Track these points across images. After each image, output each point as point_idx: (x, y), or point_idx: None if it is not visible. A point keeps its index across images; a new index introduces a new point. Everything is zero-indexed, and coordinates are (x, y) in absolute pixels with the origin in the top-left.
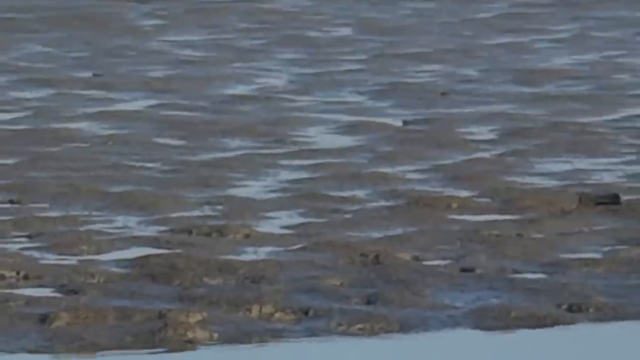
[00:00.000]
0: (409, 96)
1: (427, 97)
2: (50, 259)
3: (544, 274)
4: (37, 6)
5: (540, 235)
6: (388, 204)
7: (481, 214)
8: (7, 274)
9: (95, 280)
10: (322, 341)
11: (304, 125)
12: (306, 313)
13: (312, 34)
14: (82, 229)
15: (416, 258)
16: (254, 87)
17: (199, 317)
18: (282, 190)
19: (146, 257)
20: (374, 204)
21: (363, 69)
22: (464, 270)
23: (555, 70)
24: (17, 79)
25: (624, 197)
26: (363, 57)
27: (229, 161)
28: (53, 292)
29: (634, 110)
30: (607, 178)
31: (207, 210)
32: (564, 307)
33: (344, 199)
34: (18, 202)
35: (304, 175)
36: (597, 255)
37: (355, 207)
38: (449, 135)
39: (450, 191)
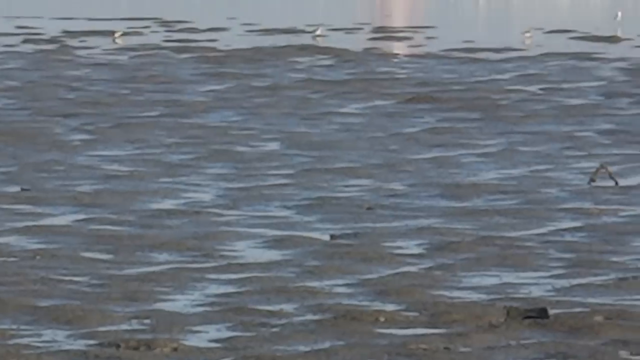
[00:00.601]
0: (336, 210)
1: (354, 211)
2: None
3: None
4: None
5: (467, 349)
6: (315, 317)
7: (408, 327)
8: None
9: None
10: None
11: (231, 239)
12: None
13: (240, 148)
14: (10, 342)
15: None
16: (182, 201)
17: None
18: (210, 304)
19: None
20: (301, 317)
21: (291, 184)
22: None
23: (483, 184)
24: None
25: (551, 311)
26: (291, 171)
27: (157, 275)
28: None
29: (562, 224)
30: (535, 292)
31: (134, 324)
32: None
33: (272, 313)
34: None
35: (231, 289)
36: None
37: (283, 321)
38: (376, 249)
39: (377, 305)
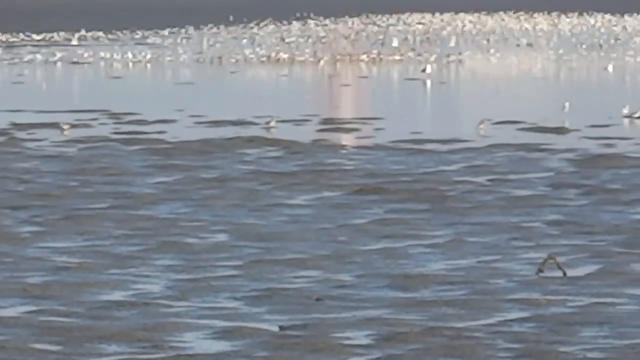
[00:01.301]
0: (285, 302)
1: (303, 302)
2: None
3: None
4: None
5: None
6: None
7: None
8: None
9: None
10: None
11: (180, 330)
12: None
13: (189, 240)
14: None
15: None
16: (131, 292)
17: None
18: None
19: None
20: None
21: (239, 275)
22: None
23: (431, 275)
24: None
25: None
26: (239, 262)
27: None
28: None
29: (510, 315)
30: None
31: None
32: None
33: None
34: None
35: None
36: None
37: None
38: (325, 340)
39: None
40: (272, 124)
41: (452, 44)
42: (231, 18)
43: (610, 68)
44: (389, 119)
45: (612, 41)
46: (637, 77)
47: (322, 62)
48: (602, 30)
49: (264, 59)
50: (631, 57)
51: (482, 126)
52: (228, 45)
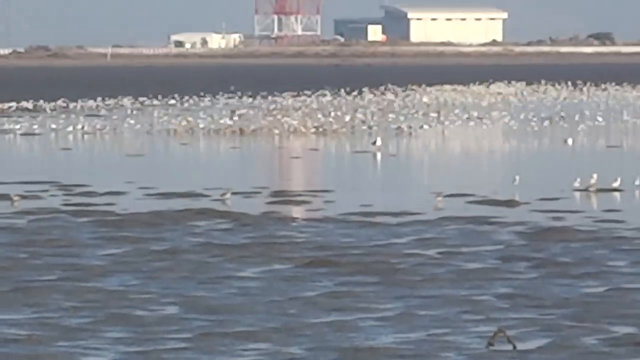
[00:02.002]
0: None
1: None
2: None
3: None
4: None
5: None
6: None
7: None
8: None
9: None
10: None
11: None
12: None
13: (139, 312)
14: None
15: None
16: None
17: None
18: None
19: None
20: None
21: (189, 347)
22: None
23: (381, 348)
24: None
25: None
26: (189, 335)
27: None
28: None
29: None
30: None
31: None
32: None
33: None
34: None
35: None
36: None
37: None
38: None
39: None
40: (228, 196)
41: (403, 117)
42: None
43: (570, 141)
44: (339, 192)
45: (577, 113)
46: (596, 150)
47: (273, 134)
48: (567, 101)
49: (216, 130)
50: (593, 130)
51: (439, 199)
52: (179, 116)
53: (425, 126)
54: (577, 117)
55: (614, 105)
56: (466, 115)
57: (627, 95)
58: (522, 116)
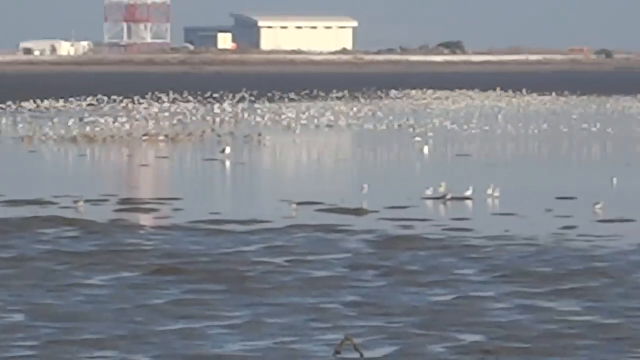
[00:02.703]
0: None
1: None
2: None
3: None
4: None
5: None
6: None
7: None
8: None
9: None
10: None
11: None
12: None
13: None
14: None
15: None
16: None
17: None
18: None
19: None
20: None
21: (36, 355)
22: None
23: (228, 356)
24: None
25: None
26: (36, 343)
27: None
28: None
29: None
30: None
31: None
32: None
33: None
34: None
35: None
36: None
37: None
38: None
39: None
40: (81, 203)
41: (253, 124)
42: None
43: (425, 150)
44: (188, 199)
45: (437, 122)
46: (450, 158)
47: (123, 141)
48: (434, 109)
49: (66, 138)
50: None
51: (293, 206)
52: (28, 123)
53: (276, 135)
54: (429, 125)
55: (464, 112)
56: (316, 124)
57: (477, 103)
58: (371, 125)
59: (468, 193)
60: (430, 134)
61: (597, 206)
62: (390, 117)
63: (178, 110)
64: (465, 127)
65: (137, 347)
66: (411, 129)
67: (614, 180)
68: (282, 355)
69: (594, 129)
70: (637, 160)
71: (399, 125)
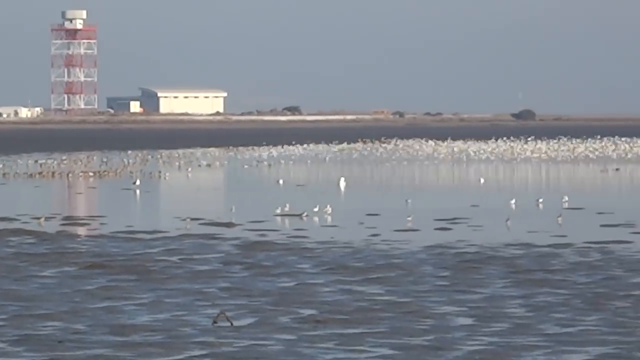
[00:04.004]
0: (38, 344)
1: (50, 344)
2: None
3: None
4: None
5: None
6: None
7: None
8: None
9: None
10: None
11: None
12: None
13: None
14: None
15: None
16: None
17: None
18: None
19: None
20: None
21: (4, 325)
22: None
23: (140, 325)
24: None
25: None
26: (5, 316)
27: None
28: None
29: (194, 353)
30: None
31: None
32: None
33: None
34: None
35: None
36: None
37: None
38: None
39: None
40: (42, 220)
41: (156, 165)
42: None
43: (280, 181)
44: (110, 217)
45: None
46: (293, 187)
47: (64, 177)
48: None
49: (27, 174)
50: (294, 173)
51: (188, 220)
52: (3, 165)
53: (172, 172)
54: (282, 163)
55: (303, 156)
56: (202, 164)
57: (320, 148)
58: (239, 165)
59: (316, 209)
60: (282, 169)
61: (409, 218)
62: (254, 161)
63: (103, 155)
64: (304, 166)
65: (76, 319)
66: (268, 167)
67: (409, 201)
68: (176, 324)
69: (393, 163)
70: (426, 185)
71: (258, 163)
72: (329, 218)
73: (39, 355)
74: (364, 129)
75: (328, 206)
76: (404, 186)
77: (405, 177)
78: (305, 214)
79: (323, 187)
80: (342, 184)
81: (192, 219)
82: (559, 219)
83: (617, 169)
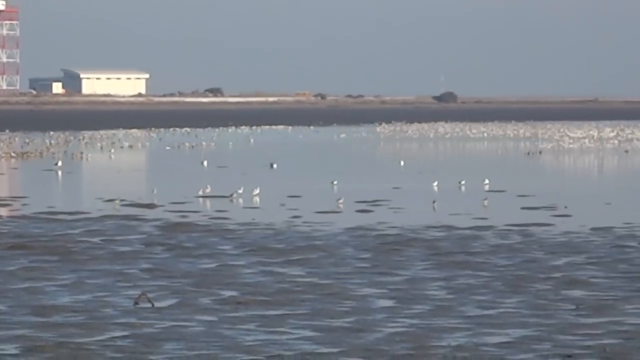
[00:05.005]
0: None
1: None
2: None
3: None
4: None
5: None
6: None
7: None
8: None
9: None
10: None
11: None
12: None
13: None
14: None
15: None
16: None
17: None
18: None
19: None
20: None
21: None
22: None
23: (61, 306)
24: None
25: None
26: None
27: None
28: None
29: (115, 334)
30: None
31: None
32: None
33: None
34: None
35: None
36: None
37: None
38: None
39: None
40: None
41: (78, 146)
42: None
43: (205, 163)
44: (32, 197)
45: (212, 145)
46: (215, 169)
47: None
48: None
49: None
50: (216, 155)
51: (117, 201)
52: None
53: (94, 153)
54: (204, 144)
55: (228, 137)
56: (124, 145)
57: (232, 131)
58: (161, 146)
59: (256, 193)
60: (209, 150)
61: (340, 201)
62: (175, 142)
63: (26, 136)
64: (226, 147)
65: None
66: (192, 148)
67: (335, 183)
68: (98, 305)
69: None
70: (347, 169)
71: (181, 146)
72: (257, 199)
73: None
74: (286, 110)
75: (258, 189)
76: (332, 169)
77: (334, 160)
78: (234, 195)
79: (245, 168)
80: (275, 166)
81: (114, 200)
82: (485, 201)
83: (540, 152)
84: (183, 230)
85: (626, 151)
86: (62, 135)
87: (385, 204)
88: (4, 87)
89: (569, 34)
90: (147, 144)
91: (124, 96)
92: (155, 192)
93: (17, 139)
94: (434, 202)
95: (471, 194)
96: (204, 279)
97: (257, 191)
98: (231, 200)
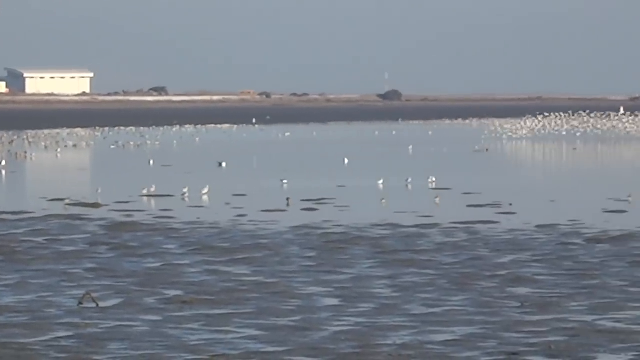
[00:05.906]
0: None
1: None
2: None
3: None
4: None
5: None
6: None
7: None
8: None
9: None
10: None
11: None
12: None
13: None
14: None
15: None
16: None
17: None
18: None
19: None
20: None
21: None
22: None
23: (4, 306)
24: None
25: None
26: None
27: None
28: None
29: (59, 334)
30: None
31: None
32: None
33: None
34: None
35: None
36: None
37: None
38: None
39: None
40: None
41: (22, 145)
42: None
43: (151, 162)
44: None
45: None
46: (159, 167)
47: None
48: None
49: None
50: (162, 153)
51: (67, 200)
52: None
53: (40, 152)
54: (149, 143)
55: (173, 135)
56: (68, 144)
57: (177, 130)
58: (106, 145)
59: (205, 191)
60: (151, 151)
61: (289, 198)
62: (119, 141)
63: None
64: (171, 146)
65: None
66: (138, 147)
67: (284, 182)
68: (42, 305)
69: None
70: (293, 167)
71: (126, 145)
72: (206, 198)
73: None
74: (231, 109)
75: (207, 187)
76: (280, 167)
77: (282, 159)
78: (185, 193)
79: (189, 167)
80: (224, 165)
81: (58, 200)
82: (437, 199)
83: (487, 150)
84: (128, 229)
85: (574, 148)
86: (5, 135)
87: (330, 202)
88: None
89: (517, 32)
90: (92, 143)
91: (68, 95)
92: (99, 191)
93: None
94: (382, 200)
95: (417, 192)
96: (148, 278)
97: (206, 190)
98: (183, 199)
